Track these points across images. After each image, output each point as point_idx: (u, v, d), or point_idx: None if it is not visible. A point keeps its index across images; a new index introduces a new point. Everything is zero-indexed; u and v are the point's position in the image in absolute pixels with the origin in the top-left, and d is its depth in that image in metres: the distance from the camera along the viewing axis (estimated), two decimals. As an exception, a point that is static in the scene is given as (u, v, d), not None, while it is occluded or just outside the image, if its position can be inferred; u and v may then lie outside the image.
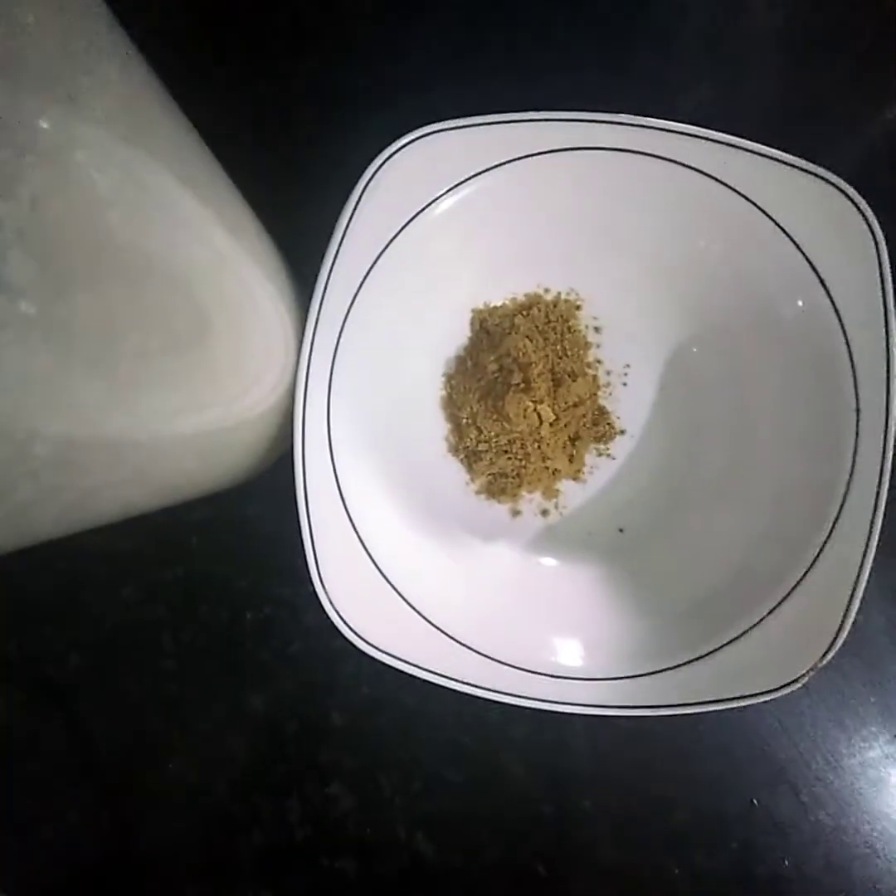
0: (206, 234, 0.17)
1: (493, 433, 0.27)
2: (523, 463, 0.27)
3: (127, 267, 0.15)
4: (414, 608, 0.25)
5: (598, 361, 0.29)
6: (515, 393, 0.26)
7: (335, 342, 0.24)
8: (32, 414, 0.14)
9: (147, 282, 0.16)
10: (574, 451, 0.28)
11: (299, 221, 0.25)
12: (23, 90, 0.12)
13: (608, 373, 0.29)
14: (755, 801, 0.29)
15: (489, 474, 0.28)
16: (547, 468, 0.28)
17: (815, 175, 0.23)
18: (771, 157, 0.24)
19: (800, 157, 0.24)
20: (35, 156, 0.13)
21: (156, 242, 0.16)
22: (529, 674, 0.25)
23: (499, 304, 0.29)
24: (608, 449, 0.29)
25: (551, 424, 0.27)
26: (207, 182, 0.19)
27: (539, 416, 0.26)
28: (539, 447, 0.27)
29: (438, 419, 0.29)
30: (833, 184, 0.23)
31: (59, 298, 0.13)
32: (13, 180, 0.12)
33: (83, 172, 0.14)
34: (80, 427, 0.15)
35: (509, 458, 0.27)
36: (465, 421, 0.28)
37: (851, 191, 0.23)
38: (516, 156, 0.25)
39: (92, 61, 0.14)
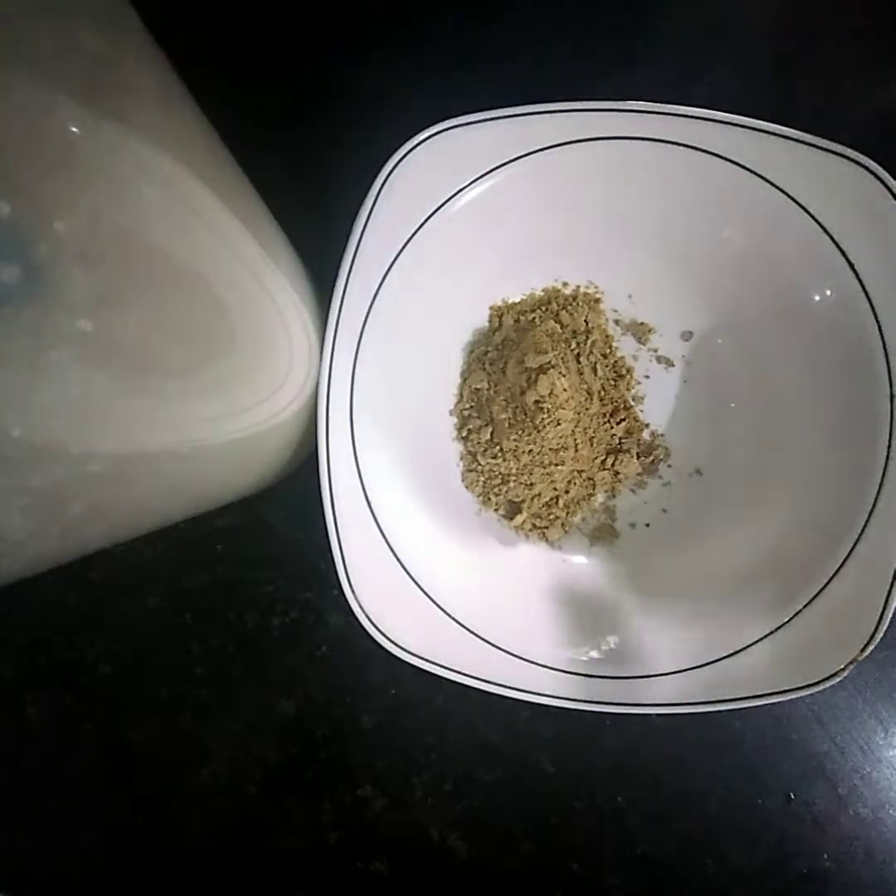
0: (237, 244, 0.18)
1: (523, 451, 0.27)
2: (554, 479, 0.27)
3: (171, 281, 0.15)
4: (441, 608, 0.25)
5: (620, 355, 0.28)
6: (544, 378, 0.25)
7: (356, 344, 0.24)
8: (88, 431, 0.14)
9: (189, 294, 0.16)
10: (604, 454, 0.28)
11: (315, 223, 0.24)
12: (78, 105, 0.12)
13: (630, 367, 0.28)
14: (792, 795, 0.29)
15: (531, 513, 0.27)
16: (580, 474, 0.27)
17: (843, 156, 0.23)
18: (795, 139, 0.23)
19: (824, 138, 0.23)
20: (91, 172, 0.13)
21: (196, 255, 0.16)
22: (559, 672, 0.25)
23: (517, 299, 0.28)
24: (633, 443, 0.28)
25: (584, 431, 0.27)
26: (236, 193, 0.19)
27: (575, 413, 0.26)
28: (574, 451, 0.27)
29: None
30: (861, 164, 0.23)
31: (113, 315, 0.13)
32: (73, 197, 0.12)
33: (133, 187, 0.14)
34: (130, 442, 0.15)
35: (546, 475, 0.27)
36: (483, 449, 0.27)
37: (880, 170, 0.23)
38: (531, 149, 0.24)
39: (135, 76, 0.14)
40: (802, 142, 0.23)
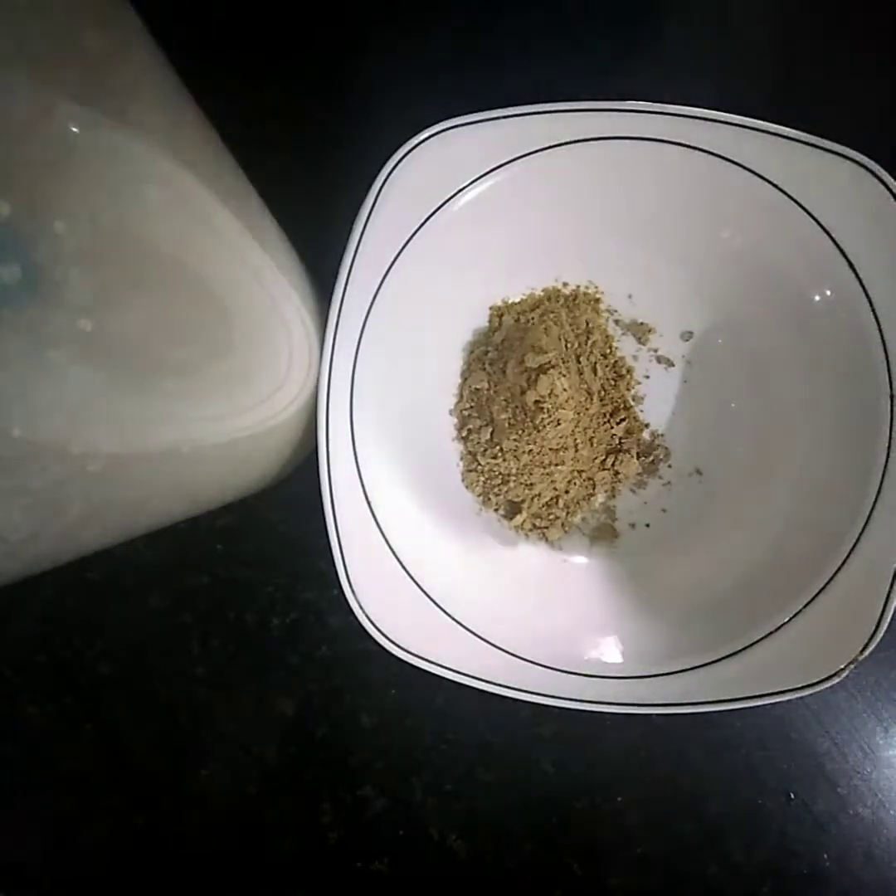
0: (237, 244, 0.18)
1: (523, 451, 0.27)
2: (554, 479, 0.27)
3: (171, 281, 0.15)
4: (441, 608, 0.25)
5: (620, 355, 0.28)
6: (544, 378, 0.25)
7: (356, 344, 0.24)
8: (88, 431, 0.14)
9: (188, 294, 0.16)
10: (604, 454, 0.28)
11: (315, 223, 0.24)
12: (78, 105, 0.12)
13: (630, 367, 0.28)
14: (792, 795, 0.29)
15: (531, 513, 0.27)
16: (580, 474, 0.27)
17: (842, 156, 0.23)
18: (795, 139, 0.23)
19: (824, 138, 0.23)
20: (91, 172, 0.13)
21: (196, 255, 0.16)
22: (559, 672, 0.25)
23: (517, 299, 0.28)
24: (633, 443, 0.28)
25: (584, 431, 0.27)
26: (236, 193, 0.19)
27: (575, 414, 0.26)
28: (574, 451, 0.27)
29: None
30: (861, 164, 0.23)
31: (112, 315, 0.13)
32: (73, 197, 0.12)
33: (133, 188, 0.14)
34: (129, 442, 0.15)
35: (546, 475, 0.27)
36: (483, 449, 0.27)
37: (880, 170, 0.23)
38: (531, 149, 0.24)
39: (135, 76, 0.14)
40: (802, 142, 0.23)
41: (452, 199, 0.24)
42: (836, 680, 0.23)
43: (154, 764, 0.30)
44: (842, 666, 0.23)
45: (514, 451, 0.27)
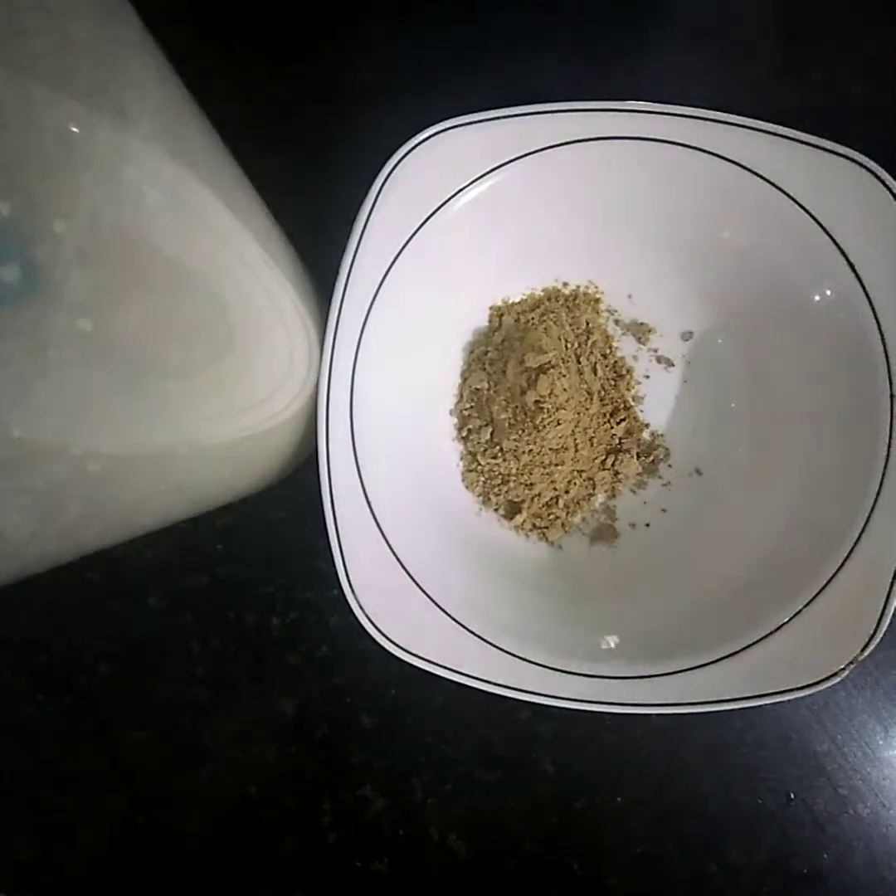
0: (238, 244, 0.18)
1: (523, 451, 0.27)
2: (554, 479, 0.27)
3: (171, 281, 0.15)
4: (441, 608, 0.25)
5: (620, 355, 0.29)
6: (544, 378, 0.25)
7: (356, 344, 0.24)
8: (88, 431, 0.14)
9: (188, 294, 0.16)
10: (604, 454, 0.28)
11: (315, 223, 0.24)
12: (78, 104, 0.12)
13: (630, 367, 0.28)
14: (792, 795, 0.29)
15: (531, 513, 0.27)
16: (580, 474, 0.27)
17: (843, 156, 0.23)
18: (796, 140, 0.23)
19: (824, 138, 0.23)
20: (91, 172, 0.13)
21: (196, 255, 0.16)
22: (559, 672, 0.25)
23: (517, 299, 0.28)
24: (633, 443, 0.28)
25: (584, 431, 0.27)
26: (236, 192, 0.19)
27: (576, 415, 0.26)
28: (574, 451, 0.27)
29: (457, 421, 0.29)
30: (861, 164, 0.23)
31: (112, 315, 0.13)
32: (73, 197, 0.12)
33: (133, 188, 0.14)
34: (129, 442, 0.15)
35: (546, 475, 0.27)
36: (483, 449, 0.27)
37: (880, 170, 0.23)
38: (531, 150, 0.24)
39: (135, 75, 0.14)
40: (802, 142, 0.23)
41: (452, 199, 0.24)
42: (836, 680, 0.23)
43: (154, 764, 0.30)
44: (842, 666, 0.23)
45: (514, 451, 0.27)
